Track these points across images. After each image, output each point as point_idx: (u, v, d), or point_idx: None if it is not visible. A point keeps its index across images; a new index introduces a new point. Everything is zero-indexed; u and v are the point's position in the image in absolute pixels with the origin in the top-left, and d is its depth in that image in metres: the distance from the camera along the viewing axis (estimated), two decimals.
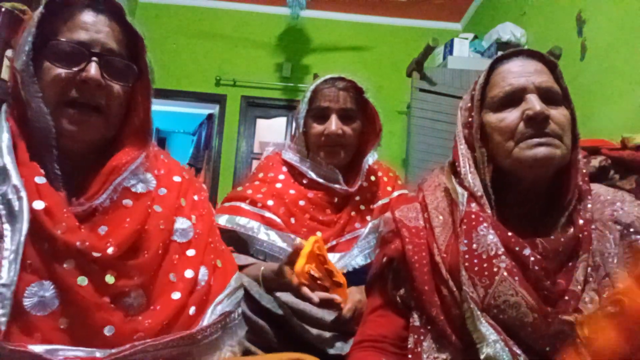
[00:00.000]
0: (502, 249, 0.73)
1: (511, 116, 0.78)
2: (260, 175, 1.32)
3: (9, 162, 0.68)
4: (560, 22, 2.55)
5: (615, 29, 2.09)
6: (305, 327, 1.02)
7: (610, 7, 2.14)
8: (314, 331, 1.02)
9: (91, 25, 0.75)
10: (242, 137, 4.05)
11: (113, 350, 0.66)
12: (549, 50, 2.39)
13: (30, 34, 0.71)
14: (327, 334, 1.03)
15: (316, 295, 0.93)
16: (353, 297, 1.04)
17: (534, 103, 0.76)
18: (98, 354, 0.66)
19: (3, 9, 1.63)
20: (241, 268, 1.04)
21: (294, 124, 1.40)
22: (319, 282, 0.95)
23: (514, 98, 0.79)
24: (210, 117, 4.51)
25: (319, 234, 1.19)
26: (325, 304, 0.96)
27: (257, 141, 4.19)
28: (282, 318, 1.02)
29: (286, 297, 1.03)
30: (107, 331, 0.67)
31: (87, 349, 0.66)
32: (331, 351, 1.00)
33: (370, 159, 1.26)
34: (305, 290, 0.93)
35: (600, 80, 2.14)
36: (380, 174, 1.36)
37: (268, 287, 1.02)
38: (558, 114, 0.77)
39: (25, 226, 0.64)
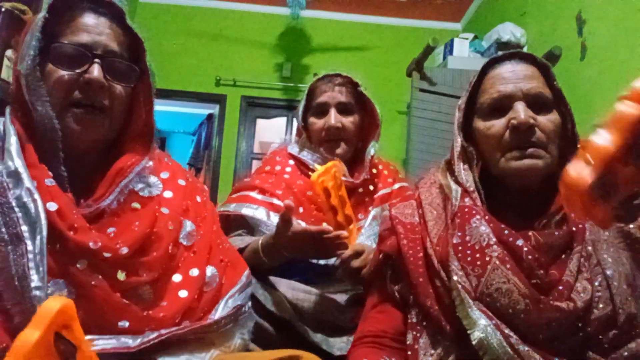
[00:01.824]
0: (494, 239, 0.75)
1: (498, 124, 0.81)
2: (267, 167, 1.35)
3: (20, 165, 0.69)
4: (560, 22, 2.55)
5: (615, 29, 2.08)
6: (309, 331, 1.02)
7: (610, 7, 2.14)
8: (319, 336, 1.02)
9: (93, 28, 0.76)
10: (242, 137, 4.05)
11: (144, 339, 0.70)
12: (549, 50, 2.39)
13: (35, 37, 0.73)
14: (331, 339, 1.03)
15: (322, 227, 0.95)
16: (362, 245, 1.06)
17: (519, 112, 0.78)
18: (130, 342, 0.69)
19: (3, 9, 1.64)
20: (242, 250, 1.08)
21: (295, 124, 1.44)
22: (331, 201, 0.97)
23: (502, 105, 0.81)
24: (210, 117, 4.51)
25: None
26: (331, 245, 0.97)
27: (257, 141, 4.19)
28: (286, 321, 1.02)
29: (285, 291, 1.04)
30: (121, 325, 0.70)
31: (119, 336, 0.69)
32: (336, 352, 1.00)
33: (372, 149, 1.29)
34: (310, 227, 0.94)
35: (600, 80, 2.14)
36: (381, 167, 1.39)
37: (269, 256, 1.04)
38: (546, 120, 0.79)
39: (44, 227, 0.66)
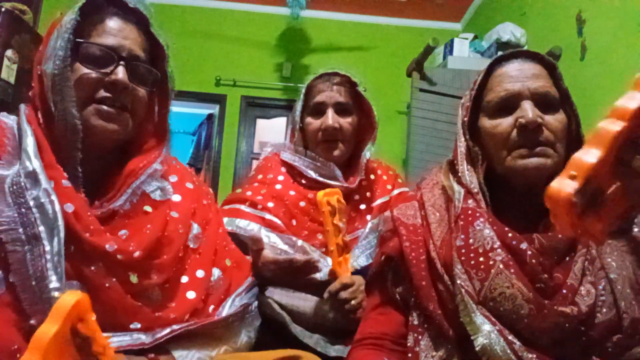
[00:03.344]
0: (498, 243, 0.74)
1: (505, 123, 0.79)
2: (259, 176, 1.30)
3: (37, 166, 0.69)
4: (560, 22, 2.55)
5: (615, 29, 2.09)
6: (305, 332, 1.01)
7: (610, 7, 2.14)
8: (315, 336, 1.01)
9: (119, 32, 0.79)
10: (242, 137, 4.05)
11: (157, 335, 0.73)
12: (549, 50, 2.39)
13: (64, 39, 0.74)
14: (326, 339, 1.02)
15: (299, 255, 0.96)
16: (352, 277, 1.04)
17: (527, 111, 0.76)
18: (144, 338, 0.71)
19: (3, 9, 1.64)
20: None
21: (290, 124, 1.39)
22: (327, 228, 1.01)
23: (509, 104, 0.80)
24: (210, 117, 4.51)
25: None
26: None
27: (257, 141, 4.19)
28: (276, 326, 1.01)
29: (280, 298, 1.02)
30: (134, 327, 0.72)
31: (132, 333, 0.71)
32: (332, 353, 0.99)
33: (368, 153, 1.26)
34: (279, 258, 0.94)
35: (600, 80, 2.14)
36: (379, 172, 1.35)
37: (256, 271, 1.02)
38: (553, 120, 0.78)
39: (62, 228, 0.66)
